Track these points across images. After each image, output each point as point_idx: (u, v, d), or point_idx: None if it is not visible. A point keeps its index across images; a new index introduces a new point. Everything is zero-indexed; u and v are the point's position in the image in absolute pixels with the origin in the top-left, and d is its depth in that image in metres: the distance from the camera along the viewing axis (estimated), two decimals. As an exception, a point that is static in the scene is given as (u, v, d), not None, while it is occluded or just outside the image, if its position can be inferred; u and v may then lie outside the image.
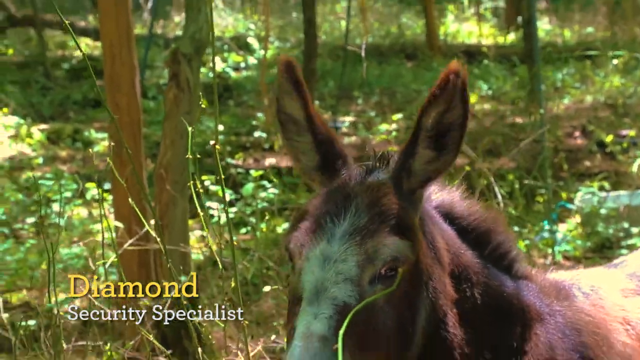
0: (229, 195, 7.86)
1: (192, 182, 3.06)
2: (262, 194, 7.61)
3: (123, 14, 5.05)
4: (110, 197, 8.41)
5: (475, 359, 2.36)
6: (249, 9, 18.20)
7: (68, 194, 7.80)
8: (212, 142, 2.89)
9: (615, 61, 10.21)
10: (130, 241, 4.56)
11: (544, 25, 18.44)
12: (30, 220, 7.40)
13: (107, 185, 8.57)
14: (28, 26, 16.43)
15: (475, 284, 2.38)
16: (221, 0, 16.85)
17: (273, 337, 4.53)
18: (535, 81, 10.11)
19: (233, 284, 3.22)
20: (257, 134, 9.78)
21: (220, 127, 9.84)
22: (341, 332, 1.99)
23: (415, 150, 2.25)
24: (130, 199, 3.17)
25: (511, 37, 17.43)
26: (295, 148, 2.36)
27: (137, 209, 3.33)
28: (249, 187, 7.53)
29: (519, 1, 16.09)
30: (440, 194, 2.46)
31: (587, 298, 2.60)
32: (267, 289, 4.23)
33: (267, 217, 6.93)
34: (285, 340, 2.20)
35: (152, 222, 5.49)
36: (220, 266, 3.11)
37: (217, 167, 2.87)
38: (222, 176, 3.07)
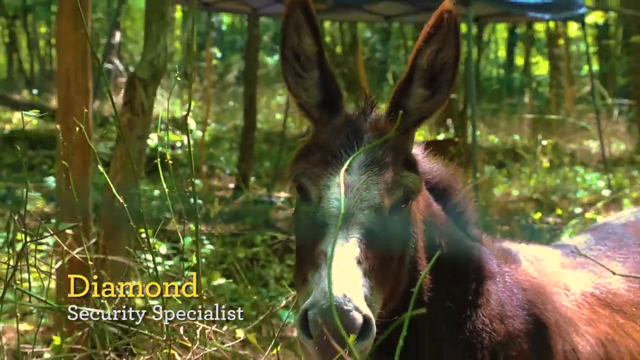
0: (165, 248, 7.88)
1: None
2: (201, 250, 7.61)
3: (81, 41, 5.18)
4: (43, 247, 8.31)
5: (438, 305, 2.47)
6: (187, 95, 18.56)
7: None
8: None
9: (543, 159, 10.76)
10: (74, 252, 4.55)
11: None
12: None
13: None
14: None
15: (441, 235, 2.50)
16: (160, 86, 17.08)
17: None
18: (472, 173, 10.64)
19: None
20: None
21: (156, 192, 9.91)
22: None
23: (410, 90, 2.36)
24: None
25: (441, 137, 18.13)
26: (297, 84, 2.43)
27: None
28: (188, 240, 7.54)
29: (450, 105, 16.91)
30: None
31: (531, 264, 2.77)
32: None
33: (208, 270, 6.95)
34: (306, 265, 2.19)
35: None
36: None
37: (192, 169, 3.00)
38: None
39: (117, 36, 18.24)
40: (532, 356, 2.50)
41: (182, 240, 6.67)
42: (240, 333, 3.39)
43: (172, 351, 2.77)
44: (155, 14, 5.00)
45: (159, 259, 7.51)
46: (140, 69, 5.05)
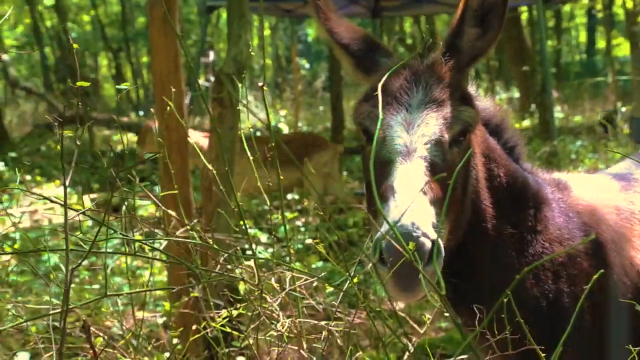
0: (265, 237, 8.12)
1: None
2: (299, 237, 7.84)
3: (172, 46, 5.43)
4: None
5: (501, 230, 2.54)
6: (278, 104, 18.95)
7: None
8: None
9: (624, 127, 10.47)
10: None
11: (555, 113, 18.89)
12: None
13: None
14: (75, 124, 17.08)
15: (499, 165, 2.59)
16: (253, 97, 17.57)
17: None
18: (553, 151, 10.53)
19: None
20: (290, 195, 10.06)
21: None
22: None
23: (462, 30, 2.45)
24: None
25: (526, 123, 17.86)
26: (339, 57, 2.63)
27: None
28: (282, 229, 7.75)
29: (532, 92, 16.68)
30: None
31: (582, 190, 2.81)
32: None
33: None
34: (376, 197, 2.20)
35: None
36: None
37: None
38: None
39: (211, 56, 18.77)
40: (593, 272, 2.53)
41: (280, 229, 6.83)
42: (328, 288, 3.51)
43: (263, 295, 2.92)
44: (236, 12, 5.21)
45: (260, 247, 7.80)
46: (225, 65, 5.26)
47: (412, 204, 2.08)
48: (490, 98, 2.74)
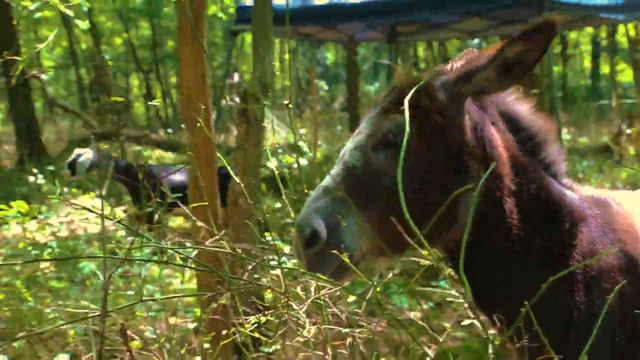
0: (288, 249, 8.06)
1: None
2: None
3: (199, 61, 5.42)
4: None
5: (529, 245, 2.45)
6: (299, 123, 19.00)
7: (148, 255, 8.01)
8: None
9: (629, 148, 10.35)
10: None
11: (563, 135, 18.73)
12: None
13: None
14: (109, 140, 17.17)
15: (530, 180, 2.48)
16: (275, 117, 17.59)
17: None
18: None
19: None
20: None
21: (278, 205, 10.17)
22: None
23: (486, 67, 2.32)
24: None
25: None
26: None
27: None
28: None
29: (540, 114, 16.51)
30: (509, 103, 2.55)
31: (620, 207, 2.71)
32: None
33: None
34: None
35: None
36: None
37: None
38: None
39: (236, 77, 18.85)
40: (628, 289, 2.42)
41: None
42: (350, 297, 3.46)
43: (290, 302, 2.88)
44: (261, 34, 5.20)
45: (283, 258, 7.74)
46: (250, 85, 5.25)
47: (310, 199, 2.26)
48: (538, 112, 2.63)
